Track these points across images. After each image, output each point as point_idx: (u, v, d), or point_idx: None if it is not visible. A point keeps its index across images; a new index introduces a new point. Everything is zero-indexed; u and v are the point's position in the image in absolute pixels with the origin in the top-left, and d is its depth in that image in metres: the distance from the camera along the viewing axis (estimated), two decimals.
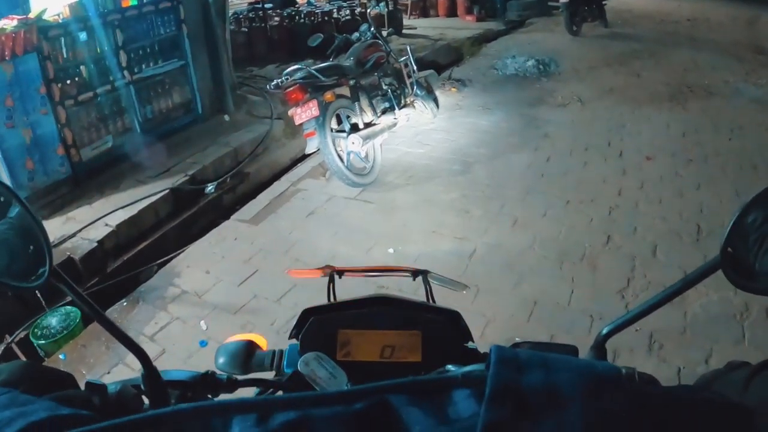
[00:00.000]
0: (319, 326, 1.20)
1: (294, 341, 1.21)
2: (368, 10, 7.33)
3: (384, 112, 6.69)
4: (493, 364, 0.56)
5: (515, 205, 5.65)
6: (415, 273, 1.68)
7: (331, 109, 5.69)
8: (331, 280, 1.62)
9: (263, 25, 12.35)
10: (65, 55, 6.27)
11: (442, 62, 11.52)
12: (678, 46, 14.99)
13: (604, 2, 16.50)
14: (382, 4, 16.48)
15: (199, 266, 5.01)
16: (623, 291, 4.33)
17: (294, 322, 1.23)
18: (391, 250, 4.95)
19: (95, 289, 4.94)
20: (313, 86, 5.68)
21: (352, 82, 6.24)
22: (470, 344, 1.22)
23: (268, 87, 5.96)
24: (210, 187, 6.49)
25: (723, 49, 15.45)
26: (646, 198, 5.82)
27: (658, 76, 11.09)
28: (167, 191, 6.16)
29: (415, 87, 7.34)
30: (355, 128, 6.01)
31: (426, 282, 1.64)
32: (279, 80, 5.77)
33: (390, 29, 8.64)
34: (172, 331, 4.20)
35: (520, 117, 8.41)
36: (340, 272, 1.66)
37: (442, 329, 1.20)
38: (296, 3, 15.33)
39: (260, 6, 13.20)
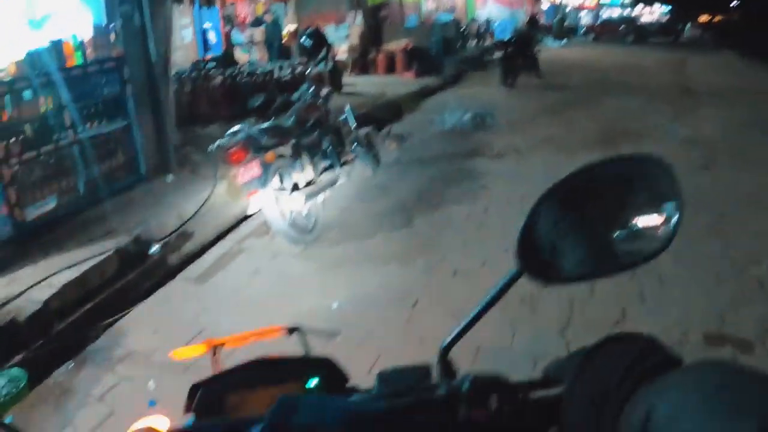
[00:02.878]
0: (209, 395, 1.25)
1: (190, 415, 1.23)
2: (308, 71, 7.48)
3: (325, 170, 6.82)
4: (273, 408, 0.79)
5: (455, 256, 5.78)
6: (289, 330, 1.76)
7: (272, 168, 5.80)
8: (214, 353, 1.69)
9: (205, 85, 12.46)
10: (10, 113, 6.29)
11: (382, 118, 11.76)
12: (609, 93, 15.58)
13: (536, 55, 17.08)
14: (322, 63, 16.84)
15: (147, 326, 4.99)
16: (564, 330, 4.47)
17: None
18: (335, 305, 4.99)
19: (41, 351, 4.89)
20: (254, 147, 5.78)
21: (293, 142, 6.39)
22: (351, 384, 1.27)
23: (210, 148, 6.03)
24: (155, 248, 6.50)
25: (653, 94, 16.10)
26: None
27: (591, 123, 11.53)
28: (112, 252, 6.15)
29: (355, 144, 7.52)
30: (296, 187, 6.12)
31: (301, 337, 1.72)
32: (221, 141, 5.87)
33: (330, 89, 8.80)
34: (121, 391, 4.14)
35: (458, 170, 8.66)
36: (221, 343, 1.72)
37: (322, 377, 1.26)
38: (237, 63, 15.51)
39: (203, 66, 13.33)
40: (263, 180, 5.68)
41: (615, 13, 64.63)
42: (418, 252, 5.91)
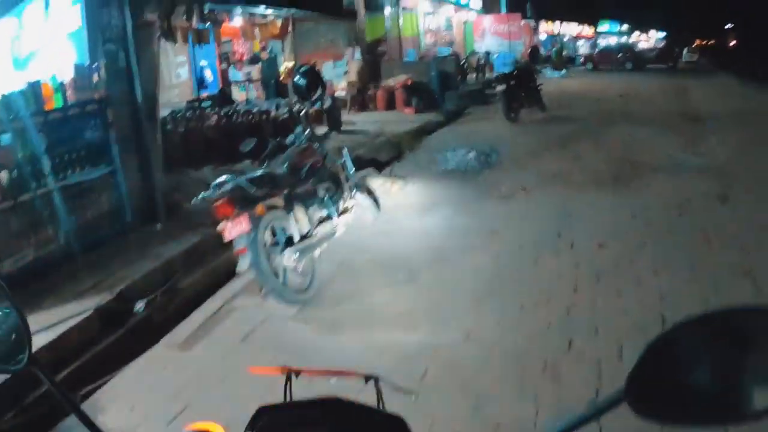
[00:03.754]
0: (271, 425, 1.26)
1: None
2: (302, 112, 6.95)
3: (321, 221, 6.29)
4: None
5: (466, 315, 5.21)
6: (366, 378, 1.72)
7: (263, 222, 5.27)
8: (288, 380, 1.65)
9: (200, 124, 12.01)
10: None
11: (383, 159, 11.33)
12: (614, 123, 15.19)
13: (539, 87, 16.69)
14: (318, 103, 16.43)
15: (124, 401, 4.45)
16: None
17: None
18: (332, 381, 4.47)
19: (9, 425, 4.39)
20: (242, 199, 5.28)
21: (285, 192, 5.84)
22: None
23: (194, 201, 5.52)
24: (139, 306, 5.99)
25: (658, 122, 15.81)
26: (604, 291, 5.51)
27: (599, 156, 11.10)
28: (92, 311, 5.64)
29: (353, 190, 6.98)
30: (290, 241, 5.59)
31: (377, 387, 1.68)
32: (206, 194, 5.36)
33: (327, 130, 8.33)
34: None
35: (464, 213, 8.13)
36: (298, 372, 1.68)
37: None
38: (234, 101, 15.13)
39: (197, 105, 12.92)
40: (253, 236, 5.16)
41: (612, 41, 64.82)
42: (424, 312, 5.37)
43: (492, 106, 17.82)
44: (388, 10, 23.22)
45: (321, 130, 13.67)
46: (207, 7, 12.74)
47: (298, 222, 5.90)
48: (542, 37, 48.30)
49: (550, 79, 28.87)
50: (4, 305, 1.17)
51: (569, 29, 58.31)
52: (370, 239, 7.22)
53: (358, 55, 20.17)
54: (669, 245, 6.60)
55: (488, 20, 35.00)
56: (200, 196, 5.38)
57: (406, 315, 5.32)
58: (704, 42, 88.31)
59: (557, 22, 53.38)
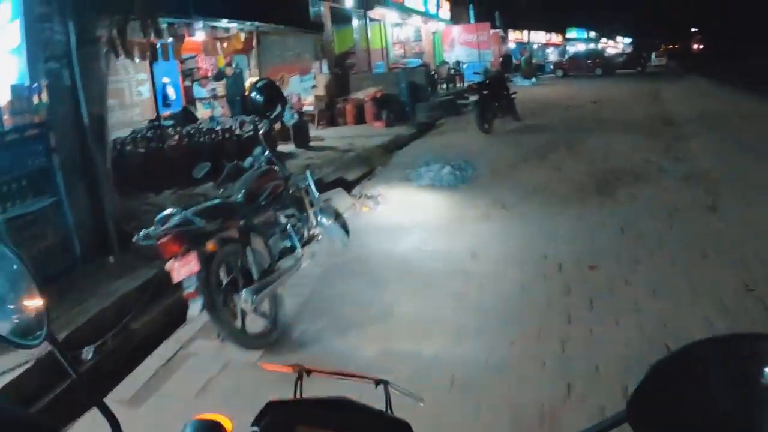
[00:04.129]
0: (279, 420, 1.27)
1: (256, 429, 1.22)
2: (261, 131, 6.24)
3: (284, 253, 5.64)
4: None
5: (448, 356, 4.58)
6: (377, 382, 1.72)
7: (216, 260, 4.58)
8: (300, 378, 1.65)
9: (161, 145, 11.34)
10: None
11: (353, 176, 10.75)
12: (591, 130, 14.83)
13: (513, 96, 16.23)
14: (288, 114, 15.90)
15: None
16: None
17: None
18: None
19: None
20: (191, 234, 4.54)
21: (242, 223, 5.10)
22: None
23: (136, 239, 4.68)
24: (87, 352, 5.35)
25: (635, 127, 15.60)
26: (600, 320, 4.97)
27: (579, 167, 10.65)
28: (33, 362, 4.99)
29: (319, 216, 6.28)
30: (249, 279, 4.91)
31: (386, 391, 1.68)
32: (149, 231, 4.57)
33: (294, 148, 7.49)
34: None
35: (442, 235, 7.55)
36: (309, 371, 1.68)
37: None
38: (197, 119, 14.52)
39: (159, 124, 12.29)
40: (204, 276, 4.46)
41: (580, 47, 65.00)
42: (404, 358, 4.63)
43: (464, 117, 17.38)
44: (356, 22, 22.73)
45: (288, 147, 13.19)
46: (164, 21, 12.16)
47: (257, 256, 5.15)
48: (511, 45, 48.15)
49: (520, 88, 28.58)
50: (25, 282, 1.25)
51: (538, 37, 58.39)
52: (339, 270, 6.53)
53: (325, 68, 19.62)
54: (665, 263, 6.13)
55: (457, 30, 34.78)
56: (142, 234, 4.60)
57: (380, 360, 4.64)
58: (671, 46, 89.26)
59: (526, 31, 53.36)
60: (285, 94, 17.93)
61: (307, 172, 6.70)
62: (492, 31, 35.81)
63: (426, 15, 30.62)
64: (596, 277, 5.85)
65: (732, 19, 68.35)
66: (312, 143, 13.94)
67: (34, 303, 1.18)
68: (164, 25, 12.30)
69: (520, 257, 6.50)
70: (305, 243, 5.93)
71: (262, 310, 5.01)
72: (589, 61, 44.81)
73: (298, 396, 1.60)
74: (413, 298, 5.72)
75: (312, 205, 6.30)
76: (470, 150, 12.39)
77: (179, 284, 4.56)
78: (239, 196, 5.41)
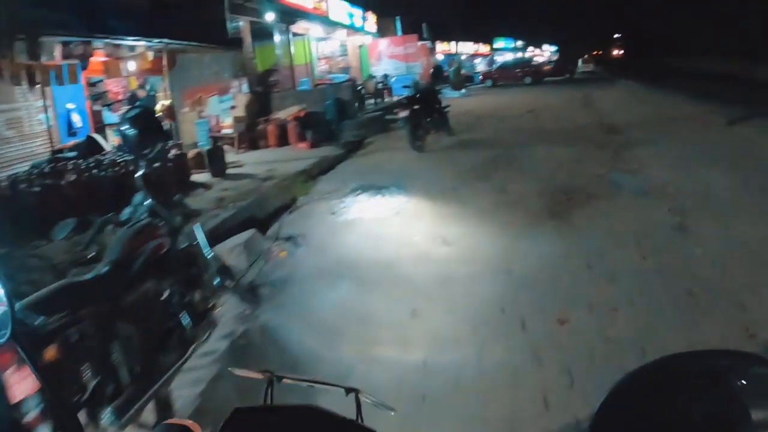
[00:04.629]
0: (245, 427, 1.28)
1: None
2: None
3: (165, 340, 4.01)
4: None
5: None
6: (347, 390, 1.65)
7: (61, 372, 3.06)
8: (269, 385, 1.61)
9: (59, 181, 9.69)
10: None
11: (269, 212, 9.39)
12: (531, 143, 13.90)
13: (446, 110, 15.16)
14: (205, 136, 14.63)
15: None
16: None
17: None
18: None
19: None
20: (26, 338, 2.78)
21: (103, 308, 3.48)
22: None
23: None
24: None
25: (576, 137, 14.79)
26: (583, 394, 3.79)
27: (526, 186, 9.59)
28: None
29: (217, 279, 4.81)
30: (114, 389, 3.36)
31: (357, 400, 1.60)
32: None
33: (179, 195, 5.63)
34: None
35: (372, 288, 6.02)
36: (280, 378, 1.64)
37: None
38: (103, 149, 13.01)
39: (61, 155, 10.80)
40: (38, 400, 2.85)
41: (508, 57, 65.03)
42: None
43: (394, 134, 16.13)
44: (278, 38, 21.45)
45: (203, 176, 11.81)
46: (59, 41, 10.79)
47: (126, 356, 3.54)
48: (440, 57, 47.67)
49: (451, 99, 27.74)
50: None
51: (466, 48, 58.09)
52: (245, 349, 4.98)
53: (246, 87, 18.28)
54: (648, 309, 4.98)
55: (384, 43, 33.83)
56: None
57: None
58: (595, 53, 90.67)
59: (453, 42, 52.97)
60: (204, 115, 16.83)
61: (196, 227, 5.11)
62: (420, 43, 35.23)
63: (352, 28, 29.58)
64: (568, 334, 4.65)
65: (650, 24, 69.59)
66: (230, 170, 12.57)
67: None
68: (58, 45, 10.99)
69: (471, 313, 5.18)
70: (199, 319, 4.36)
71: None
72: (518, 70, 44.68)
73: (267, 403, 1.56)
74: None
75: (207, 268, 4.81)
76: (402, 172, 11.21)
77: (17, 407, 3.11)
78: (104, 268, 3.81)
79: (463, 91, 35.43)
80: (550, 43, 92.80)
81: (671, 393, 1.01)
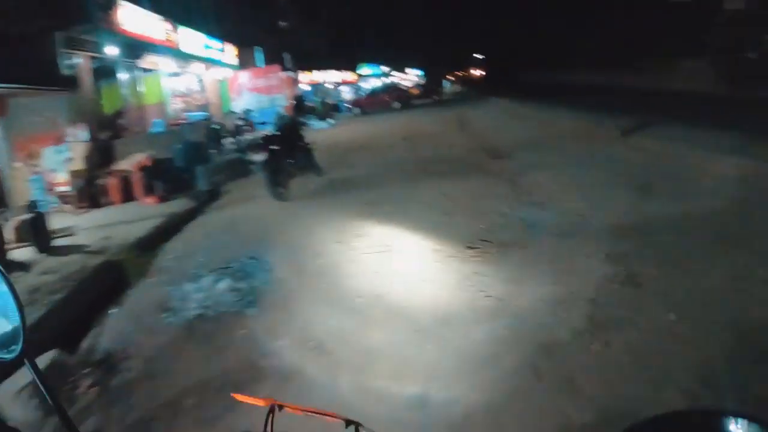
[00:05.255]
0: None
1: None
2: None
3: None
4: None
5: None
6: (347, 422, 1.68)
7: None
8: (271, 412, 1.65)
9: None
10: None
11: (91, 306, 6.99)
12: (413, 178, 12.18)
13: (310, 147, 13.38)
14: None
15: None
16: None
17: None
18: None
19: None
20: None
21: None
22: None
23: None
24: None
25: (462, 165, 13.35)
26: None
27: (419, 240, 7.83)
28: None
29: None
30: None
31: None
32: None
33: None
34: None
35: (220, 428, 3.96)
36: (281, 406, 1.67)
37: None
38: None
39: None
40: None
41: (375, 82, 64.32)
42: None
43: (255, 178, 13.91)
44: (124, 75, 19.08)
45: (24, 252, 9.51)
46: None
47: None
48: (305, 87, 46.14)
49: (318, 131, 26.17)
50: (7, 299, 1.27)
51: (331, 76, 56.78)
52: None
53: (84, 134, 15.80)
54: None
55: (245, 76, 31.82)
56: None
57: None
58: (460, 73, 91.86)
59: (318, 71, 51.58)
60: (38, 170, 14.25)
61: None
62: (283, 74, 33.49)
63: (209, 61, 27.52)
64: None
65: (512, 41, 70.75)
66: (59, 240, 10.26)
67: (13, 318, 1.21)
68: None
69: None
70: None
71: None
72: (386, 96, 43.63)
73: (268, 430, 1.60)
74: None
75: None
76: (262, 232, 9.20)
77: None
78: None
79: (331, 121, 33.95)
80: (416, 67, 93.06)
81: None
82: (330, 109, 38.39)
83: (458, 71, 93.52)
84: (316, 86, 49.62)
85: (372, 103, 42.40)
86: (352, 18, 66.67)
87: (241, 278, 7.10)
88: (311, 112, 35.41)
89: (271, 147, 11.61)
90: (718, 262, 5.86)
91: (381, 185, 11.83)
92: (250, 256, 7.83)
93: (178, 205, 12.50)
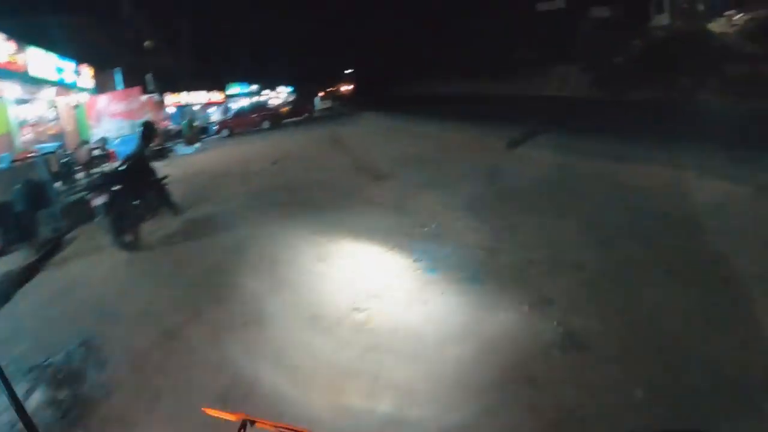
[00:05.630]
0: None
1: None
2: None
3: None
4: None
5: None
6: None
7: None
8: (242, 428, 1.64)
9: None
10: None
11: None
12: (284, 213, 10.61)
13: (163, 182, 11.65)
14: None
15: None
16: None
17: None
18: None
19: None
20: None
21: None
22: None
23: None
24: None
25: (341, 191, 11.90)
26: None
27: (297, 304, 6.26)
28: None
29: None
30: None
31: None
32: None
33: None
34: None
35: None
36: (253, 421, 1.67)
37: None
38: None
39: None
40: None
41: (244, 102, 62.40)
42: None
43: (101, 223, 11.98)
44: None
45: None
46: None
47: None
48: (171, 110, 43.87)
49: (183, 158, 24.36)
50: None
51: (199, 97, 54.32)
52: None
53: None
54: None
55: (104, 100, 29.45)
56: None
57: None
58: (331, 89, 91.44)
59: (185, 92, 49.23)
60: None
61: None
62: (145, 97, 31.40)
63: (62, 85, 25.12)
64: None
65: (380, 54, 70.76)
66: None
67: None
68: None
69: None
70: None
71: None
72: (255, 115, 42.03)
73: None
74: None
75: None
76: (100, 300, 7.47)
77: None
78: None
79: (197, 145, 32.16)
80: (286, 84, 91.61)
81: None
82: (198, 132, 36.63)
83: (329, 87, 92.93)
84: (183, 108, 47.41)
85: (240, 124, 40.83)
86: (219, 37, 64.72)
87: (65, 381, 5.26)
88: (178, 136, 33.56)
89: (114, 186, 9.91)
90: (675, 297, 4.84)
91: (247, 224, 10.25)
92: (82, 342, 6.02)
93: (12, 260, 10.56)
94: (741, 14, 24.74)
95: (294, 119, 43.49)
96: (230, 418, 1.66)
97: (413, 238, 7.87)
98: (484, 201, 9.19)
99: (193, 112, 47.10)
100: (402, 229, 8.33)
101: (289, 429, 1.63)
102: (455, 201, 9.41)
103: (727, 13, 25.60)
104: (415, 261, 6.94)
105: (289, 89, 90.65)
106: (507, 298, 5.46)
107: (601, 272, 5.77)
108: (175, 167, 19.97)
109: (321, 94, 77.20)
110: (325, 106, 61.08)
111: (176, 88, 46.92)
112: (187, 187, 14.28)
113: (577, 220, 7.64)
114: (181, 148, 29.74)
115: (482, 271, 6.28)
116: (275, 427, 1.63)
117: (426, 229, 8.24)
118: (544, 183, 10.11)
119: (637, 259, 6.04)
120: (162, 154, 26.28)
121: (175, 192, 12.11)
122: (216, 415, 1.68)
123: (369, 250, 7.69)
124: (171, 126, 38.41)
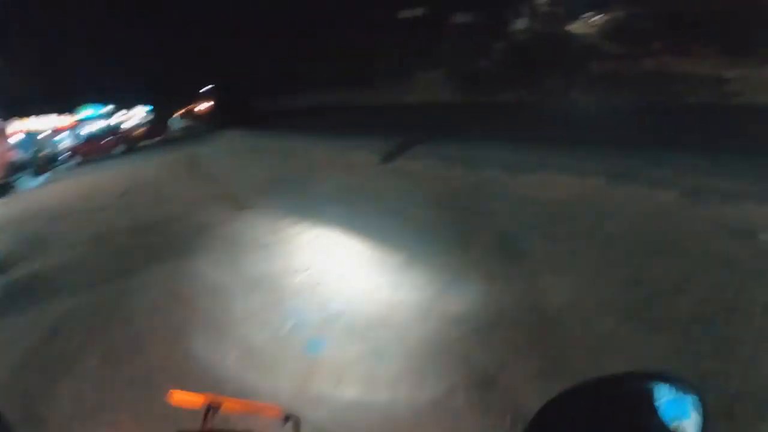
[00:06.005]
0: None
1: None
2: None
3: None
4: None
5: None
6: (286, 417, 1.69)
7: None
8: (209, 410, 1.60)
9: None
10: None
11: None
12: (134, 263, 8.52)
13: None
14: None
15: None
16: None
17: None
18: None
19: None
20: None
21: None
22: None
23: None
24: None
25: (197, 229, 9.97)
26: None
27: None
28: None
29: None
30: None
31: (295, 428, 1.66)
32: None
33: None
34: None
35: None
36: (219, 403, 1.61)
37: None
38: None
39: None
40: None
41: (99, 125, 58.77)
42: None
43: None
44: None
45: None
46: None
47: None
48: (20, 137, 40.32)
49: (25, 193, 21.79)
50: None
51: (48, 122, 50.43)
52: None
53: None
54: None
55: None
56: None
57: None
58: (191, 107, 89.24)
59: (33, 118, 45.55)
60: None
61: None
62: None
63: None
64: None
65: (238, 69, 69.23)
66: None
67: None
68: None
69: None
70: None
71: None
72: (107, 140, 39.00)
73: (208, 427, 1.54)
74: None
75: None
76: None
77: None
78: None
79: (47, 176, 29.33)
80: (143, 103, 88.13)
81: (603, 415, 1.00)
82: (47, 162, 33.57)
83: (188, 105, 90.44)
84: (31, 136, 43.84)
85: (92, 150, 37.83)
86: (69, 55, 60.82)
87: None
88: (24, 167, 30.69)
89: None
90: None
91: (83, 283, 8.15)
92: None
93: None
94: (599, 16, 24.92)
95: (150, 141, 41.02)
96: (195, 403, 1.57)
97: (284, 292, 6.21)
98: (369, 233, 7.71)
99: (41, 140, 43.66)
100: (272, 281, 6.65)
101: (256, 408, 1.69)
102: (335, 237, 7.91)
103: (584, 15, 25.74)
104: (290, 331, 5.28)
105: (147, 109, 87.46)
106: (428, 395, 3.95)
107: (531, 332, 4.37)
108: (13, 207, 17.58)
109: (180, 112, 74.65)
110: (184, 125, 58.70)
111: (24, 114, 43.37)
112: (17, 235, 12.04)
113: (480, 247, 6.51)
114: (27, 181, 26.91)
115: (387, 341, 4.70)
116: (242, 406, 1.63)
117: (300, 276, 6.61)
118: (430, 200, 8.78)
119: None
120: (2, 191, 23.55)
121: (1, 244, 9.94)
122: (181, 399, 1.55)
123: (228, 317, 5.95)
124: (18, 156, 35.10)
